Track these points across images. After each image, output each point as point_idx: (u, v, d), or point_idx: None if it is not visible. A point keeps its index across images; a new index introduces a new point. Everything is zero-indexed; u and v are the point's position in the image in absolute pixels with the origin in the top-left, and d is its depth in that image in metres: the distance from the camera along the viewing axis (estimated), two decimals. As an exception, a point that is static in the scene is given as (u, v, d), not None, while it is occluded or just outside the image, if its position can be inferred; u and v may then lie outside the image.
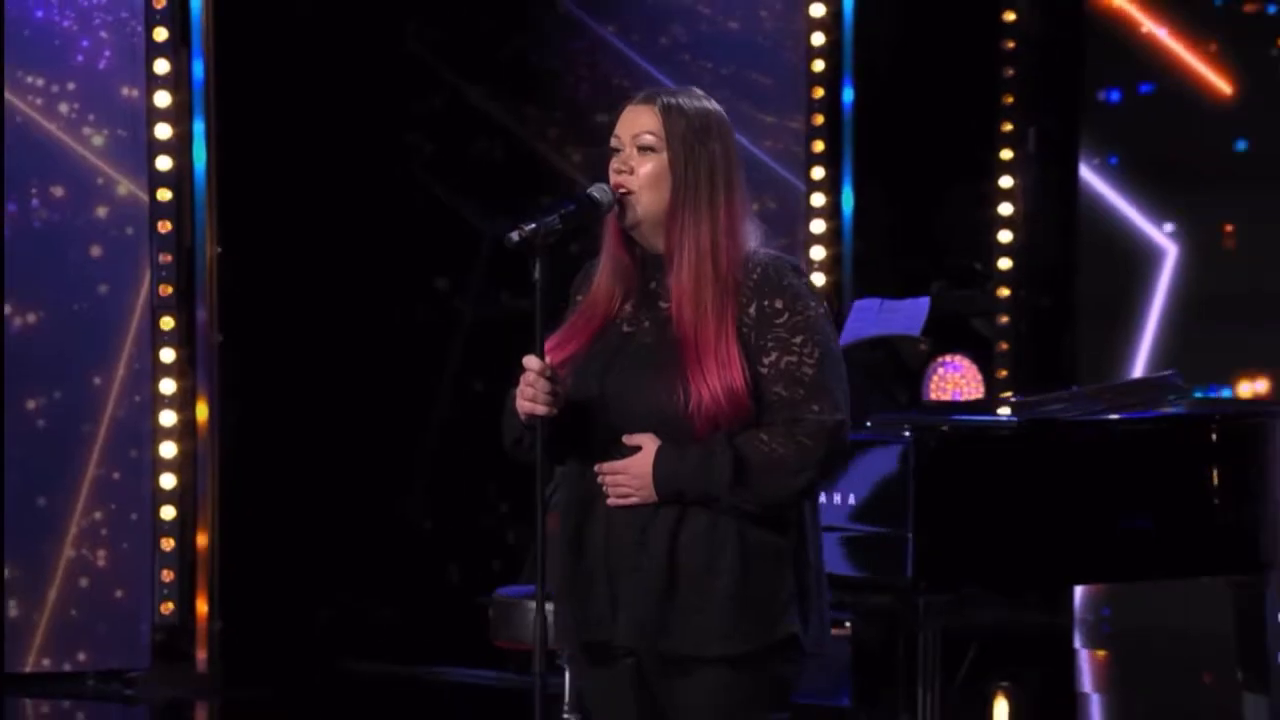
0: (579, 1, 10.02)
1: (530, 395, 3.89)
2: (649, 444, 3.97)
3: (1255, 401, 8.33)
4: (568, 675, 6.22)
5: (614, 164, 4.00)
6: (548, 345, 3.99)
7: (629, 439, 3.99)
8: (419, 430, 9.92)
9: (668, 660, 4.08)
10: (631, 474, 4.00)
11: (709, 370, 3.96)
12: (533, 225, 3.90)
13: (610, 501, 4.02)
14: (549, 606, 4.66)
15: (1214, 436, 6.09)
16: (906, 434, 5.64)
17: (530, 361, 3.92)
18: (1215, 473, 6.08)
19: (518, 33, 9.86)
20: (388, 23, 9.55)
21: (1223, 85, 9.89)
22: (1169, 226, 10.51)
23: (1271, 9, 9.82)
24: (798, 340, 3.96)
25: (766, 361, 3.97)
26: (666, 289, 4.04)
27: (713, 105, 4.14)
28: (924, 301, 6.42)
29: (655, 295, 4.08)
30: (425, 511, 9.88)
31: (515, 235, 3.88)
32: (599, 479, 4.04)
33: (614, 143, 4.02)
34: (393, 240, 9.64)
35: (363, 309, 9.45)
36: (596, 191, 3.97)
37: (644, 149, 4.01)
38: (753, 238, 4.07)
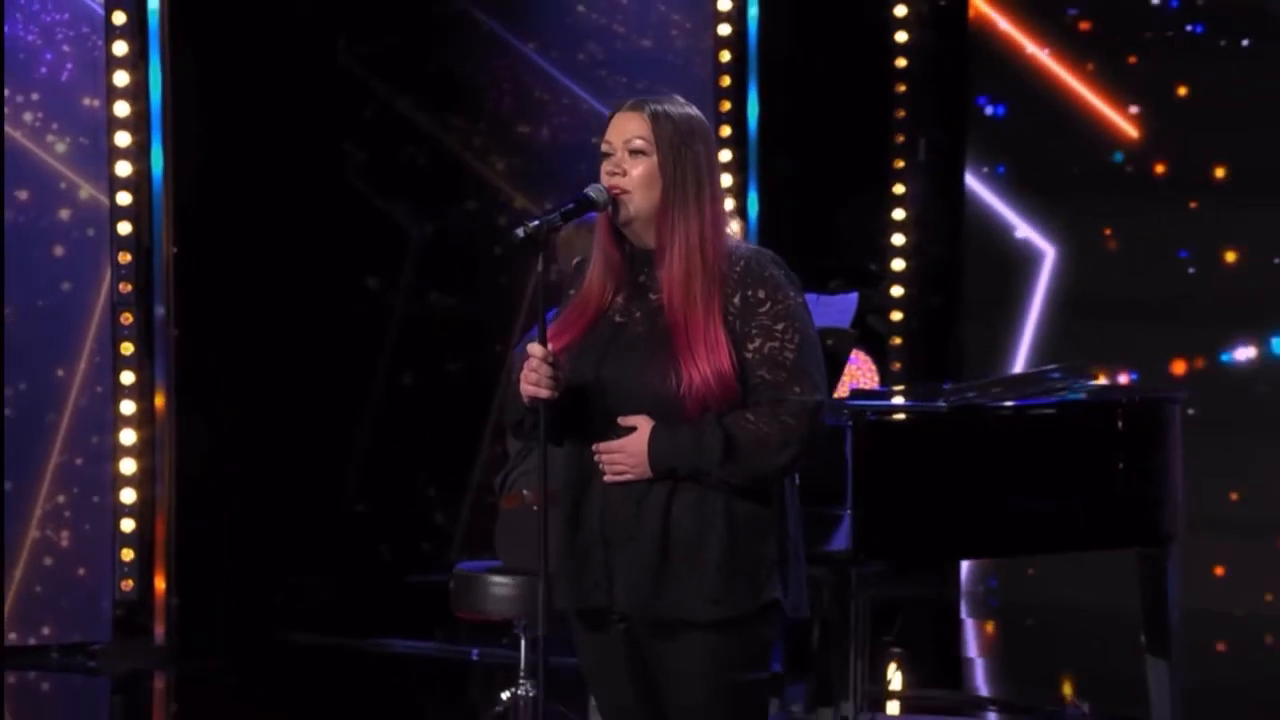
0: (501, 20, 10.31)
1: (534, 380, 4.11)
2: (643, 425, 4.18)
3: (1159, 388, 8.61)
4: (523, 645, 6.67)
5: (606, 167, 4.20)
6: (541, 336, 4.31)
7: (624, 421, 4.19)
8: (353, 420, 10.22)
9: (659, 625, 4.29)
10: (628, 452, 4.18)
11: (699, 355, 4.17)
12: (536, 222, 4.14)
13: (607, 479, 4.20)
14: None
15: (1121, 421, 6.35)
16: (845, 418, 5.84)
17: (534, 348, 4.14)
18: (1123, 453, 6.39)
19: (443, 49, 10.23)
20: (322, 40, 9.91)
21: (1097, 103, 10.25)
22: (1047, 231, 10.78)
23: (1148, 34, 10.19)
24: (779, 327, 4.21)
25: (751, 347, 4.18)
26: (656, 281, 4.26)
27: (694, 111, 4.33)
28: (853, 296, 6.56)
29: (645, 288, 4.28)
30: (359, 496, 10.17)
31: (521, 231, 4.12)
32: (596, 458, 4.23)
33: (605, 147, 4.21)
34: (329, 241, 9.99)
35: (303, 305, 9.78)
36: (592, 191, 4.16)
37: (635, 152, 4.19)
38: (731, 232, 4.45)
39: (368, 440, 10.29)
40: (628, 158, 4.18)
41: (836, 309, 6.49)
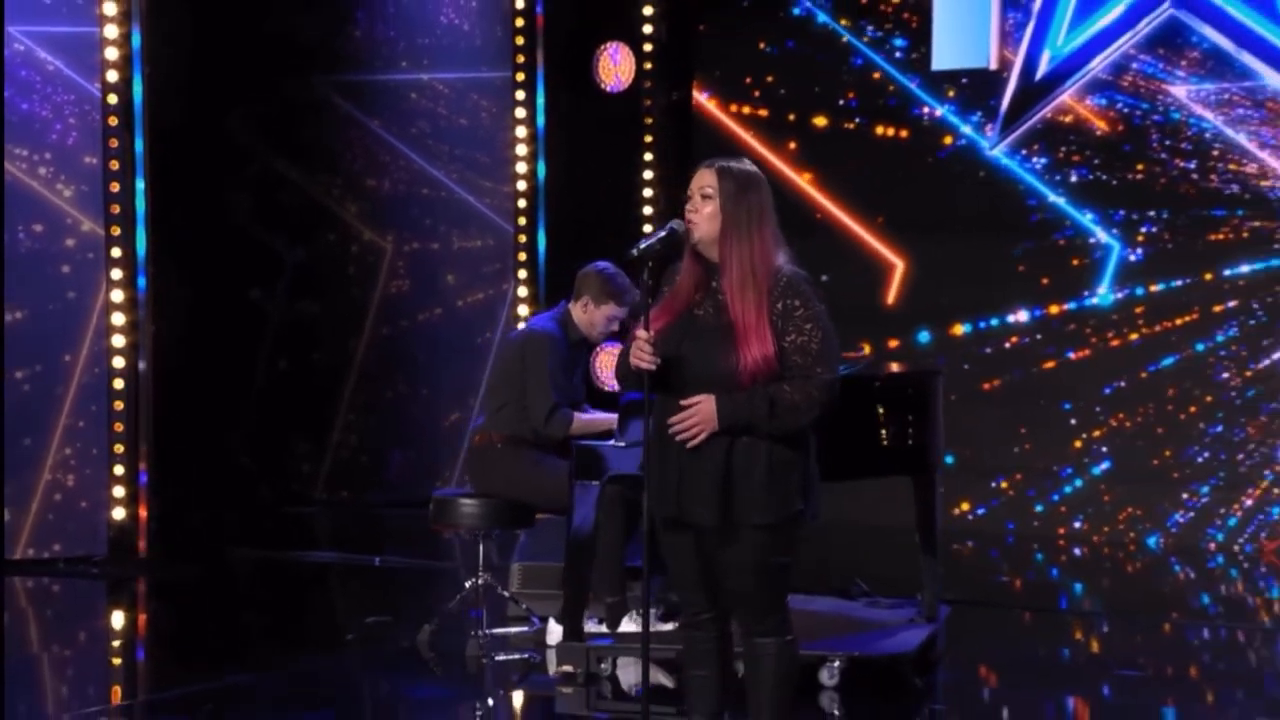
0: (354, 103, 11.86)
1: (639, 355, 4.89)
2: (706, 399, 4.92)
3: (929, 366, 9.46)
4: (481, 549, 7.87)
5: (687, 207, 5.00)
6: (644, 323, 5.04)
7: (685, 401, 4.92)
8: (242, 395, 11.71)
9: (720, 528, 5.03)
10: (702, 416, 4.93)
11: (752, 344, 4.92)
12: (644, 245, 5.02)
13: (689, 446, 4.91)
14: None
15: (909, 388, 7.62)
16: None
17: (640, 333, 4.93)
18: (910, 410, 7.49)
19: (312, 123, 11.81)
20: (219, 116, 11.25)
21: (787, 170, 11.66)
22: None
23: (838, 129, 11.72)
24: (808, 326, 4.96)
25: (788, 339, 4.94)
26: (720, 288, 4.98)
27: (754, 170, 5.08)
28: None
29: (716, 291, 4.99)
30: (244, 450, 11.63)
31: (634, 251, 5.05)
32: (670, 421, 4.95)
33: (688, 192, 5.02)
34: (224, 263, 11.39)
35: (215, 310, 11.21)
36: (675, 224, 5.01)
37: (705, 197, 4.95)
38: (781, 257, 5.02)
39: (253, 410, 11.68)
40: (700, 200, 4.97)
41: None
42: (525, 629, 8.22)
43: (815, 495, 5.11)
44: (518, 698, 7.89)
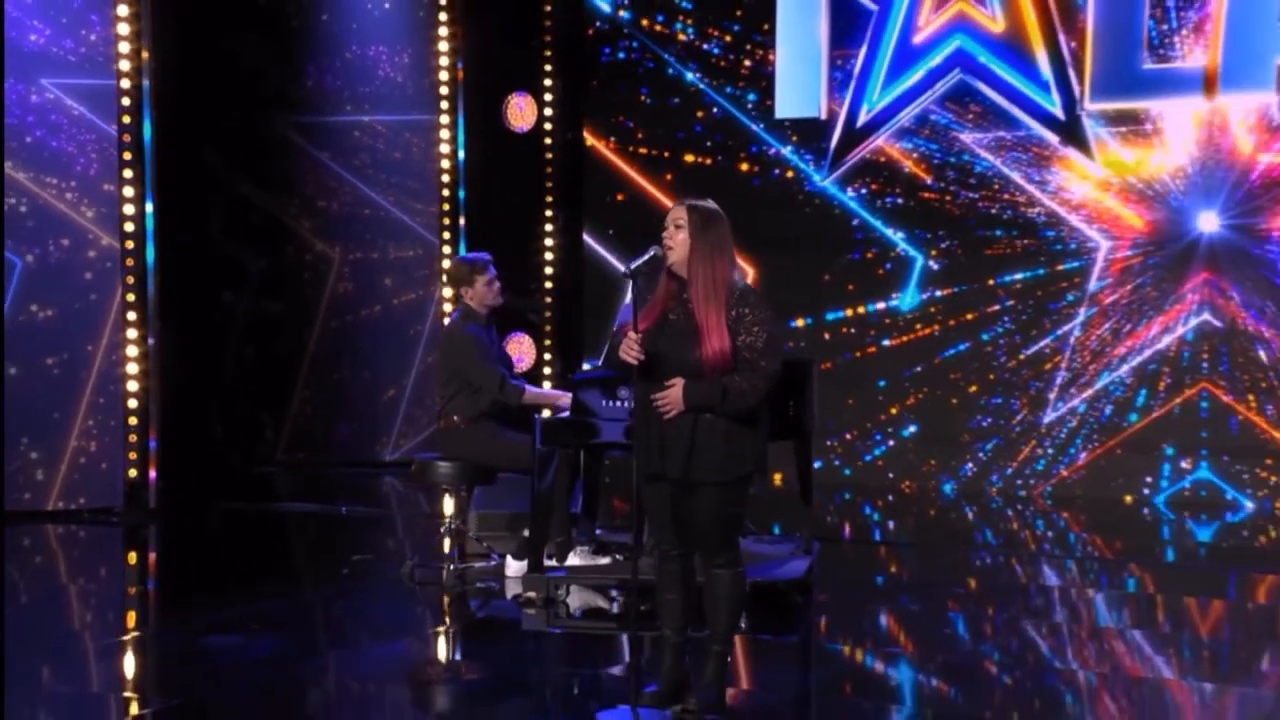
0: (308, 140, 12.24)
1: (628, 351, 5.26)
2: (678, 383, 5.30)
3: (804, 356, 9.21)
4: (450, 499, 8.36)
5: (665, 235, 5.32)
6: (633, 325, 5.39)
7: (666, 383, 5.32)
8: (215, 377, 11.96)
9: (687, 483, 5.42)
10: (672, 399, 5.32)
11: (712, 341, 5.29)
12: (634, 264, 5.35)
13: (666, 418, 5.30)
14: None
15: (791, 373, 7.12)
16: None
17: (631, 333, 5.29)
18: (790, 389, 7.62)
19: (273, 155, 12.19)
20: (195, 149, 11.43)
21: (663, 199, 12.02)
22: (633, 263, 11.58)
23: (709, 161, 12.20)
24: (755, 329, 5.32)
25: (740, 340, 5.30)
26: (689, 299, 5.34)
27: (716, 208, 5.40)
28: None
29: (685, 301, 5.35)
30: (218, 422, 11.99)
31: (628, 268, 5.36)
32: (654, 403, 5.33)
33: (666, 223, 5.34)
34: (208, 271, 11.73)
35: (200, 309, 11.56)
36: (656, 250, 5.35)
37: (678, 227, 5.31)
38: (736, 275, 5.33)
39: (224, 389, 11.97)
40: (674, 230, 5.34)
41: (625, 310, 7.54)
42: (487, 563, 8.49)
43: (764, 459, 5.52)
44: (489, 620, 8.01)
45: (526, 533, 8.02)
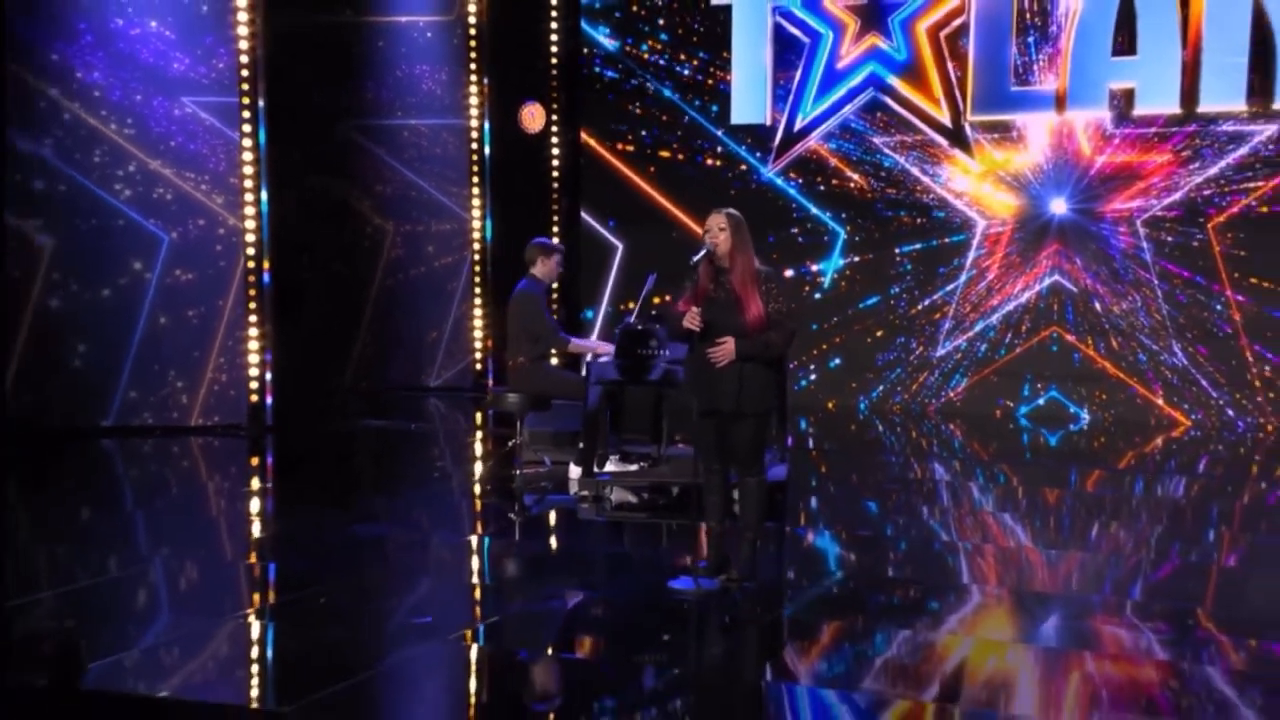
0: (369, 139, 12.68)
1: (692, 321, 5.63)
2: (730, 340, 5.65)
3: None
4: (520, 424, 8.33)
5: (708, 236, 5.69)
6: (683, 303, 5.74)
7: (719, 340, 5.66)
8: (306, 323, 11.71)
9: (733, 414, 5.76)
10: (727, 351, 5.65)
11: (753, 310, 5.65)
12: (696, 258, 5.73)
13: (718, 366, 5.65)
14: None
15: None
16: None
17: (693, 308, 5.65)
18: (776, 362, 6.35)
19: (342, 151, 12.62)
20: (289, 147, 11.24)
21: (646, 187, 12.57)
22: (621, 238, 12.82)
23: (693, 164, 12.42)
24: (781, 299, 5.75)
25: (771, 307, 5.70)
26: (729, 280, 5.70)
27: (740, 215, 5.74)
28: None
29: (725, 282, 5.72)
30: (307, 357, 11.63)
31: (695, 258, 5.71)
32: (709, 354, 5.65)
33: (708, 225, 5.72)
34: (297, 241, 11.51)
35: (292, 271, 11.42)
36: (708, 245, 5.68)
37: (720, 229, 5.70)
38: (757, 261, 5.71)
39: (311, 332, 11.95)
40: (717, 231, 5.70)
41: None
42: (539, 468, 8.83)
43: (784, 394, 5.99)
44: (557, 512, 8.11)
45: (580, 445, 8.28)
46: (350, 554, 7.03)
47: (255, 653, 5.68)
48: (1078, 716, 4.85)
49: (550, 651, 5.65)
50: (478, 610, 6.17)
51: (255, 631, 5.85)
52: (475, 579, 6.81)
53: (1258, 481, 9.38)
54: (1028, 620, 5.98)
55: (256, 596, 6.56)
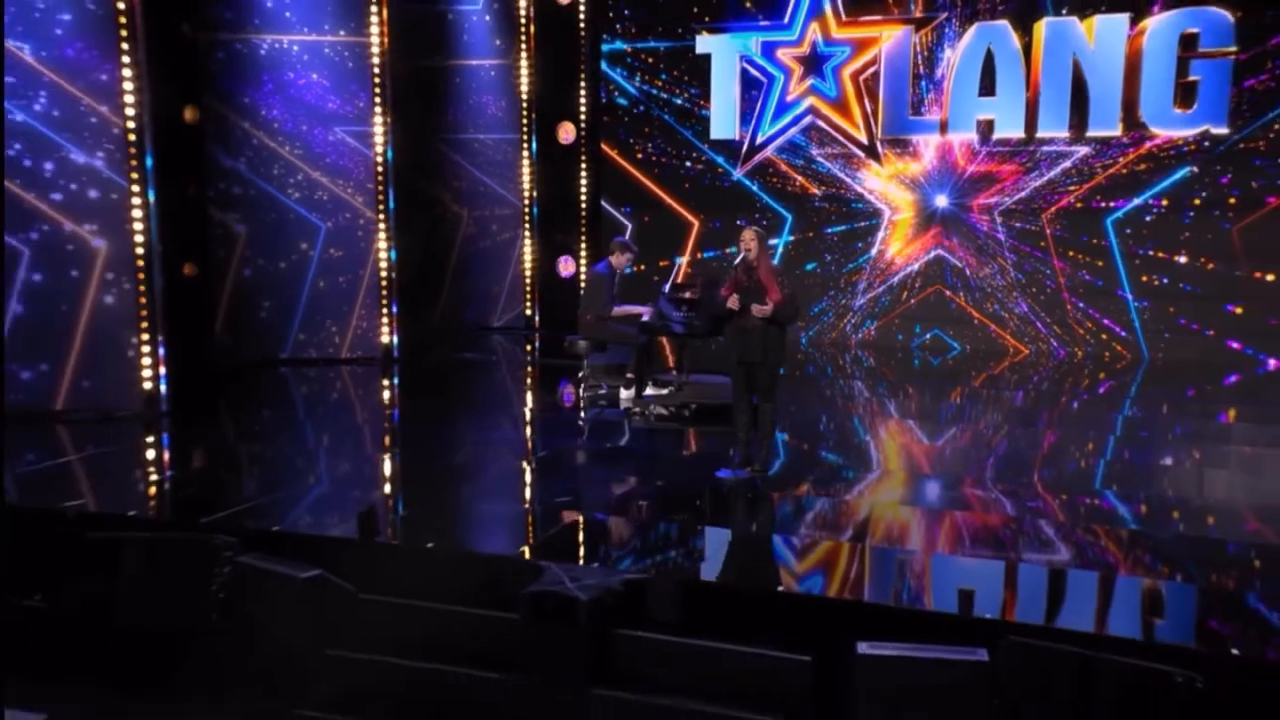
0: (451, 150, 13.92)
1: (734, 304, 6.59)
2: (764, 309, 6.59)
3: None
4: (586, 361, 8.78)
5: (743, 244, 6.68)
6: (725, 289, 6.68)
7: (755, 307, 6.59)
8: (413, 283, 12.92)
9: (760, 364, 6.69)
10: (765, 311, 6.61)
11: (773, 294, 6.65)
12: (737, 261, 6.61)
13: (752, 325, 6.40)
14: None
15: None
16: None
17: (734, 296, 6.55)
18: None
19: (435, 159, 13.55)
20: (409, 161, 12.40)
21: (651, 184, 13.88)
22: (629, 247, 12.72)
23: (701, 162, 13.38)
24: (788, 287, 6.70)
25: (785, 292, 6.67)
26: (756, 275, 6.71)
27: (763, 231, 6.60)
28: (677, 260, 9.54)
29: (753, 277, 6.71)
30: (414, 307, 12.84)
31: (736, 263, 6.58)
32: (754, 309, 6.46)
33: (743, 237, 6.64)
34: (411, 228, 12.50)
35: (404, 249, 12.65)
36: (745, 253, 6.62)
37: (752, 240, 6.70)
38: (773, 261, 7.32)
39: (418, 291, 12.78)
40: (750, 242, 6.77)
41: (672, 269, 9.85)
42: (598, 391, 9.55)
43: (790, 349, 6.87)
44: (613, 422, 8.86)
45: (630, 376, 9.19)
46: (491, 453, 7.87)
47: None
48: (947, 548, 5.71)
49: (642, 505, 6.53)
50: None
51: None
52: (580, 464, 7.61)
53: (1072, 390, 10.80)
54: (916, 487, 6.96)
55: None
